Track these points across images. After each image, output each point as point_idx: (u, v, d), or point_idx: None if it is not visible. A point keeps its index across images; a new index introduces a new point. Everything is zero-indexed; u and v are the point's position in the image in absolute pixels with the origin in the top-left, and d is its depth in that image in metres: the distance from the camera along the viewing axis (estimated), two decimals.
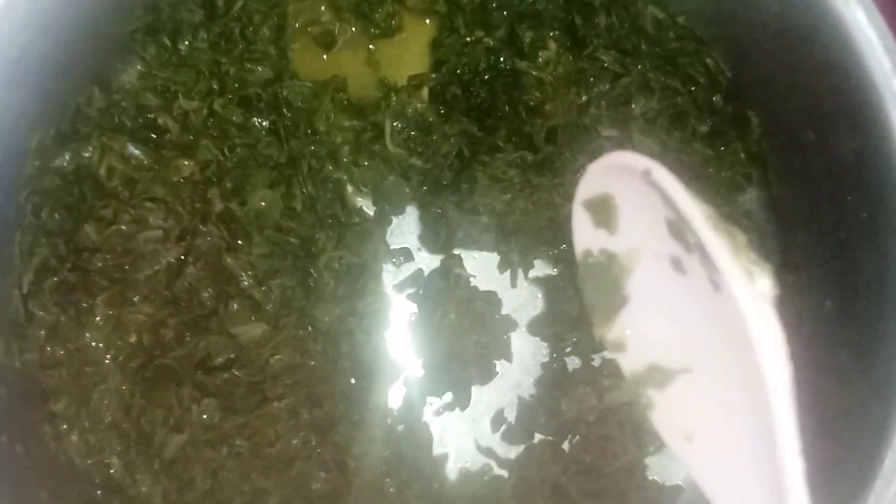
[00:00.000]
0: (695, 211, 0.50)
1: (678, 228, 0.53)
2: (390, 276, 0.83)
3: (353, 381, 0.78)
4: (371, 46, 0.84)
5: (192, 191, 0.77)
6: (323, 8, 0.82)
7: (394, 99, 0.81)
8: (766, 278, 0.48)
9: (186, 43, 0.79)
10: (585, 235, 0.65)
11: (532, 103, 0.80)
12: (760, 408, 0.47)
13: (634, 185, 0.55)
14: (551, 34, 0.80)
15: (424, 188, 0.82)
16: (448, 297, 0.81)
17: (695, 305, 0.55)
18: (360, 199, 0.82)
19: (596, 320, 0.64)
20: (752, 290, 0.47)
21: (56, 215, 0.74)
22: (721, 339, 0.52)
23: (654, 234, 0.57)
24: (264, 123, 0.79)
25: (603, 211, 0.62)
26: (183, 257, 0.76)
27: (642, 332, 0.62)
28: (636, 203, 0.58)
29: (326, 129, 0.80)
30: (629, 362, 0.63)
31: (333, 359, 0.78)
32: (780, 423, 0.46)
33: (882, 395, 0.61)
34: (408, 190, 0.82)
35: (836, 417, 0.65)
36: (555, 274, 0.83)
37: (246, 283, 0.77)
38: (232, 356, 0.76)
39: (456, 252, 0.82)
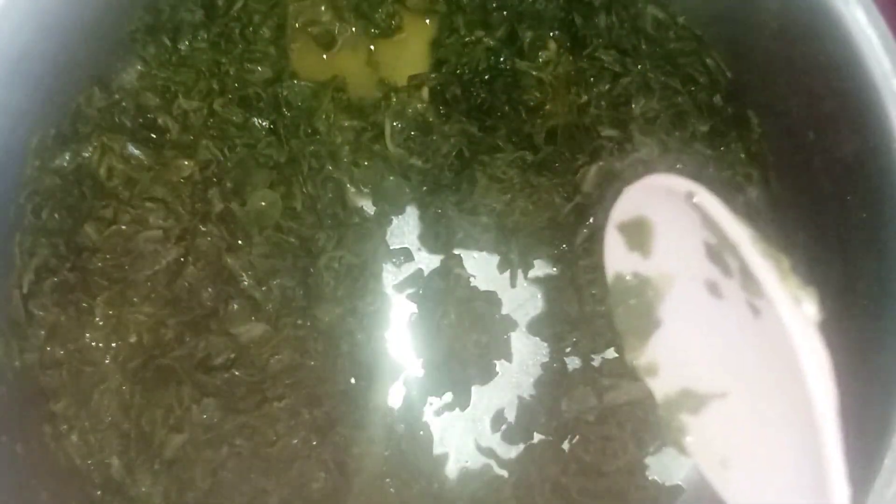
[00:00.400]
0: (742, 234, 0.50)
1: (717, 252, 0.53)
2: (390, 276, 0.83)
3: (353, 380, 0.78)
4: (371, 46, 0.84)
5: (192, 191, 0.77)
6: (323, 8, 0.82)
7: (394, 99, 0.81)
8: (812, 303, 0.48)
9: (186, 43, 0.79)
10: (618, 259, 0.64)
11: (532, 103, 0.80)
12: (803, 432, 0.47)
13: (672, 208, 0.55)
14: (551, 34, 0.80)
15: (424, 188, 0.82)
16: (448, 297, 0.81)
17: (731, 330, 0.54)
18: (360, 199, 0.82)
19: (627, 344, 0.64)
20: (799, 315, 0.47)
21: (56, 215, 0.74)
22: (759, 364, 0.52)
23: (690, 258, 0.56)
24: (264, 123, 0.79)
25: (638, 234, 0.62)
26: (183, 257, 0.76)
27: (675, 357, 0.61)
28: (673, 226, 0.58)
29: (326, 129, 0.80)
30: (662, 387, 0.62)
31: (333, 359, 0.78)
32: (827, 447, 0.46)
33: (882, 395, 0.61)
34: (408, 190, 0.82)
35: None
36: (555, 274, 0.82)
37: (246, 283, 0.76)
38: (232, 356, 0.76)
39: (456, 252, 0.82)
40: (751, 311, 0.51)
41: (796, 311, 0.47)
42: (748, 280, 0.50)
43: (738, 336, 0.54)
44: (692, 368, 0.60)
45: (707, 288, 0.56)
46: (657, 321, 0.62)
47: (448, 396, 0.81)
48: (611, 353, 0.80)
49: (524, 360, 0.82)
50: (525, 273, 0.83)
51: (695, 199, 0.53)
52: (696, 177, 0.76)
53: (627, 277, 0.63)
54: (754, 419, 0.54)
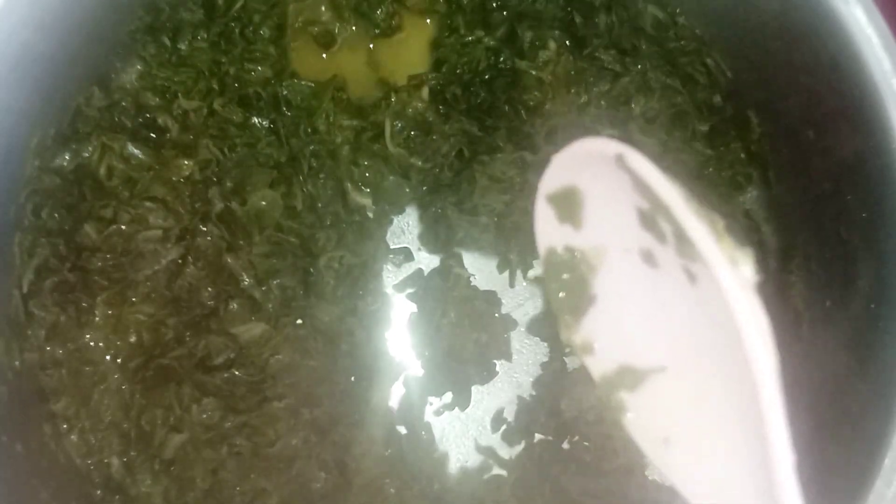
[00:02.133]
0: (673, 194, 0.48)
1: (651, 218, 0.51)
2: (390, 275, 0.83)
3: (353, 380, 0.78)
4: (371, 46, 0.84)
5: (192, 190, 0.77)
6: (323, 8, 0.82)
7: (394, 98, 0.81)
8: (749, 264, 0.46)
9: (186, 43, 0.79)
10: (549, 232, 0.61)
11: (532, 103, 0.80)
12: (745, 400, 0.46)
13: (602, 174, 0.53)
14: (551, 34, 0.80)
15: (424, 188, 0.82)
16: (448, 297, 0.81)
17: (668, 300, 0.53)
18: (360, 199, 0.81)
19: (562, 322, 0.62)
20: (736, 276, 0.46)
21: (56, 215, 0.74)
22: (698, 334, 0.51)
23: (623, 227, 0.54)
24: (264, 123, 0.79)
25: (568, 204, 0.59)
26: (183, 257, 0.76)
27: (611, 332, 0.60)
28: (604, 194, 0.56)
29: (326, 128, 0.80)
30: (598, 365, 0.60)
31: (334, 358, 0.78)
32: (769, 412, 0.45)
33: (882, 395, 0.61)
34: (408, 190, 0.82)
35: (836, 417, 0.64)
36: None
37: (246, 282, 0.77)
38: (232, 356, 0.76)
39: (455, 252, 0.82)
40: (687, 277, 0.50)
41: (733, 272, 0.46)
42: (683, 244, 0.48)
43: (676, 306, 0.52)
44: (629, 343, 0.58)
45: (642, 257, 0.54)
46: (592, 296, 0.60)
47: (448, 396, 0.81)
48: None
49: (524, 359, 0.82)
50: (525, 273, 0.83)
51: (625, 161, 0.50)
52: (697, 176, 0.77)
53: (559, 251, 0.61)
54: (695, 392, 0.53)
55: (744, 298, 0.45)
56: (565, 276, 0.61)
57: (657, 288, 0.54)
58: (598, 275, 0.60)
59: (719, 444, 0.51)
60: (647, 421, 0.57)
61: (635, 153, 0.50)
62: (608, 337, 0.60)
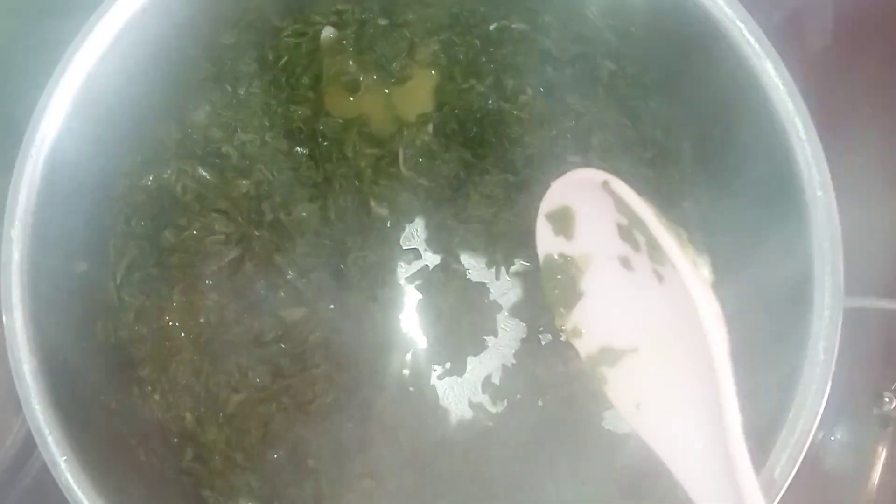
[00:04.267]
0: (649, 213, 0.49)
1: (628, 231, 0.52)
2: (403, 270, 0.83)
3: (374, 352, 0.78)
4: (387, 91, 0.84)
5: (248, 204, 0.78)
6: (351, 62, 0.82)
7: (405, 132, 0.81)
8: (706, 266, 0.48)
9: (244, 89, 0.79)
10: (546, 242, 0.63)
11: (513, 136, 0.80)
12: (702, 372, 0.46)
13: (591, 197, 0.54)
14: (529, 82, 0.80)
15: (430, 202, 0.82)
16: (448, 287, 0.81)
17: (641, 295, 0.54)
18: (379, 211, 0.81)
19: (556, 313, 0.62)
20: (697, 276, 0.47)
21: (142, 223, 0.74)
22: (664, 321, 0.51)
23: (606, 238, 0.55)
24: (305, 151, 0.79)
25: (562, 221, 0.61)
26: (241, 256, 0.77)
27: (595, 321, 0.60)
28: (591, 212, 0.57)
29: (353, 155, 0.80)
30: (584, 346, 0.61)
31: (359, 335, 0.78)
32: (722, 381, 0.45)
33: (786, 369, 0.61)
34: (417, 203, 0.81)
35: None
36: (531, 269, 0.82)
37: (290, 276, 0.77)
38: (279, 333, 0.76)
39: (454, 252, 0.82)
40: (656, 278, 0.51)
41: (695, 273, 0.47)
42: (654, 252, 0.50)
43: (647, 300, 0.53)
44: (609, 329, 0.59)
45: (620, 262, 0.55)
46: (580, 292, 0.61)
47: (448, 364, 0.81)
48: None
49: (507, 336, 0.82)
50: (507, 269, 0.83)
51: (610, 186, 0.52)
52: (641, 193, 0.77)
53: (555, 257, 0.62)
54: (662, 368, 0.54)
55: (703, 292, 0.47)
56: (559, 276, 0.62)
57: (632, 286, 0.55)
58: (585, 276, 0.60)
59: (681, 407, 0.51)
60: (623, 390, 0.58)
61: (618, 181, 0.52)
62: (593, 324, 0.61)
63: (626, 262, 0.55)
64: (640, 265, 0.53)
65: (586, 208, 0.58)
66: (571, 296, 0.61)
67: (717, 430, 0.46)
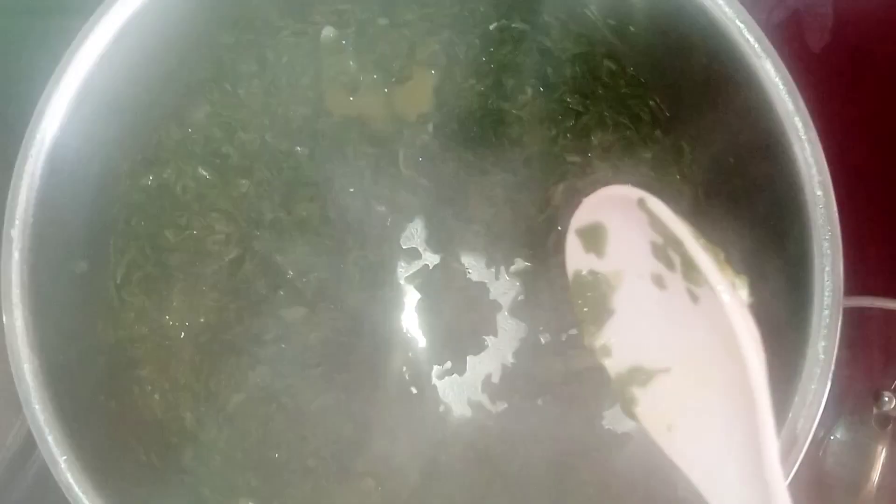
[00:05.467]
0: (685, 232, 0.48)
1: (661, 249, 0.51)
2: (402, 270, 0.82)
3: (374, 351, 0.78)
4: (387, 91, 0.83)
5: (248, 203, 0.77)
6: (351, 62, 0.82)
7: (405, 132, 0.81)
8: (745, 288, 0.47)
9: (244, 89, 0.79)
10: (576, 259, 0.61)
11: (513, 136, 0.79)
12: (737, 396, 0.46)
13: (624, 214, 0.53)
14: (528, 82, 0.80)
15: (430, 202, 0.81)
16: (448, 287, 0.81)
17: (673, 315, 0.52)
18: (379, 210, 0.81)
19: (585, 331, 0.60)
20: (735, 298, 0.46)
21: (142, 222, 0.74)
22: (697, 342, 0.50)
23: (638, 256, 0.54)
24: (305, 151, 0.79)
25: (593, 237, 0.59)
26: (241, 256, 0.77)
27: (626, 340, 0.58)
28: (624, 230, 0.55)
29: (353, 155, 0.80)
30: (614, 365, 0.59)
31: (359, 335, 0.78)
32: (760, 409, 0.44)
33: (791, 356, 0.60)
34: (417, 203, 0.81)
35: None
36: (530, 269, 0.82)
37: (290, 275, 0.76)
38: (279, 332, 0.76)
39: (454, 252, 0.82)
40: (690, 298, 0.50)
41: (733, 294, 0.46)
42: (689, 272, 0.48)
43: (680, 320, 0.52)
44: (641, 348, 0.57)
45: (653, 281, 0.54)
46: (611, 310, 0.59)
47: (448, 364, 0.80)
48: (573, 331, 0.79)
49: (507, 335, 0.82)
50: (507, 268, 0.82)
51: (646, 204, 0.50)
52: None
53: (584, 274, 0.60)
54: (694, 389, 0.52)
55: (741, 315, 0.45)
56: (589, 294, 0.60)
57: (665, 305, 0.53)
58: (616, 293, 0.59)
59: (714, 430, 0.50)
60: (654, 411, 0.56)
61: (655, 199, 0.50)
62: (623, 343, 0.59)
63: (658, 281, 0.53)
64: (674, 284, 0.51)
65: (619, 225, 0.56)
66: (601, 313, 0.59)
67: (752, 455, 0.45)
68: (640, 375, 0.57)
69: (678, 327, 0.53)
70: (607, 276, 0.59)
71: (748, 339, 0.45)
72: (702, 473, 0.51)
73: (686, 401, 0.53)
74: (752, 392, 0.44)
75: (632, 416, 0.57)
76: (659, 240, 0.51)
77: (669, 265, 0.51)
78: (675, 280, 0.51)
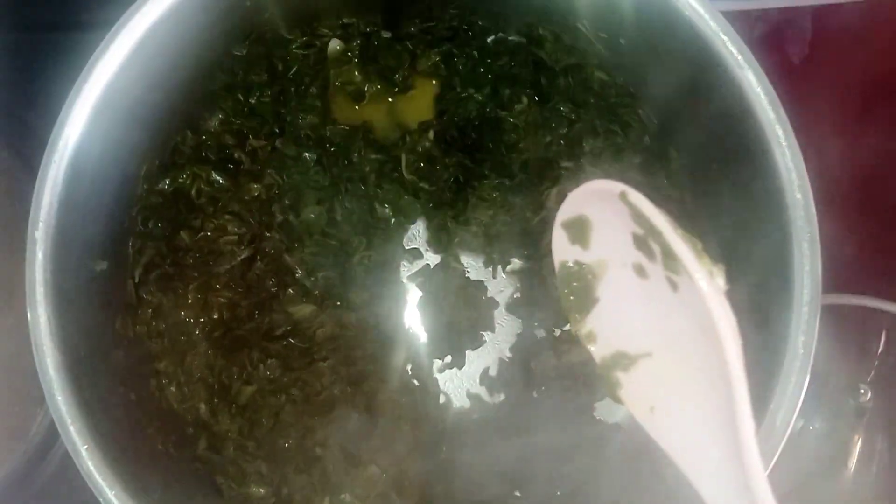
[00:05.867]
0: (665, 223, 0.49)
1: (643, 240, 0.51)
2: (405, 269, 0.83)
3: (378, 346, 0.79)
4: (391, 100, 0.84)
5: (259, 206, 0.78)
6: (356, 72, 0.82)
7: (408, 139, 0.81)
8: (721, 276, 0.47)
9: (255, 98, 0.79)
10: (562, 250, 0.61)
11: (510, 142, 0.80)
12: (715, 379, 0.46)
13: (607, 207, 0.53)
14: (524, 91, 0.80)
15: (431, 205, 0.82)
16: (447, 285, 0.81)
17: (654, 303, 0.53)
18: (383, 213, 0.81)
19: (571, 319, 0.61)
20: (713, 285, 0.46)
21: (159, 224, 0.74)
22: (677, 328, 0.51)
23: (621, 247, 0.54)
24: (313, 156, 0.79)
25: (578, 230, 0.59)
26: (252, 256, 0.77)
27: (610, 327, 0.59)
28: (607, 222, 0.55)
29: (358, 160, 0.80)
30: (599, 351, 0.60)
31: (364, 330, 0.78)
32: (737, 391, 0.45)
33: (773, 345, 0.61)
34: (418, 206, 0.82)
35: None
36: (526, 268, 0.83)
37: (299, 274, 0.77)
38: (289, 328, 0.76)
39: (454, 252, 0.83)
40: (670, 286, 0.50)
41: (710, 282, 0.46)
42: (669, 261, 0.48)
43: (661, 307, 0.52)
44: (624, 334, 0.57)
45: (635, 270, 0.54)
46: (595, 299, 0.59)
47: (448, 358, 0.81)
48: (567, 327, 0.79)
49: (504, 331, 0.82)
50: (504, 267, 0.83)
51: (628, 197, 0.51)
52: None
53: (570, 265, 0.60)
54: (675, 373, 0.53)
55: (718, 302, 0.46)
56: (574, 283, 0.60)
57: (646, 293, 0.53)
58: (600, 283, 0.59)
59: (694, 412, 0.50)
60: (637, 393, 0.57)
61: (636, 192, 0.51)
62: (607, 329, 0.59)
63: (640, 271, 0.53)
64: (655, 273, 0.51)
65: (602, 218, 0.57)
66: (587, 302, 0.59)
67: (731, 435, 0.45)
68: (623, 360, 0.57)
69: (659, 314, 0.53)
70: (592, 267, 0.59)
71: (725, 324, 0.45)
72: (686, 457, 0.52)
73: (667, 384, 0.54)
74: (728, 375, 0.45)
75: (616, 399, 0.58)
76: (640, 231, 0.51)
77: (650, 255, 0.51)
78: (656, 269, 0.51)
